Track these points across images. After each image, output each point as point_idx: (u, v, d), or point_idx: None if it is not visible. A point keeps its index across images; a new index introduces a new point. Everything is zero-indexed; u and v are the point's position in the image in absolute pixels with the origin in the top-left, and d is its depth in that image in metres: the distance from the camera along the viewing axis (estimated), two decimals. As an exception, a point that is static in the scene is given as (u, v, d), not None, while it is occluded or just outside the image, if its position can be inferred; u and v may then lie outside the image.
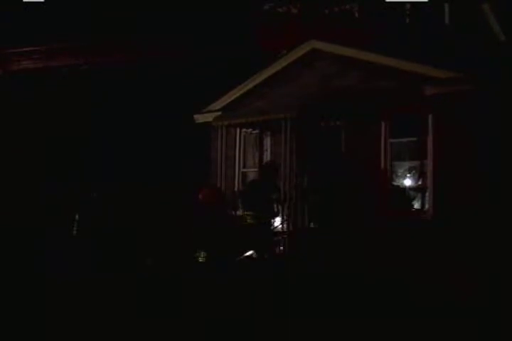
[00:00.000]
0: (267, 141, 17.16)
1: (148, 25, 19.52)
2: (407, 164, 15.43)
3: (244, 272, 12.30)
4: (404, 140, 15.25)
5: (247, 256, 12.90)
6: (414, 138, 15.04)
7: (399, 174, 15.51)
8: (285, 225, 15.30)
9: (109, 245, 14.86)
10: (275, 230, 14.77)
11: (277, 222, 15.12)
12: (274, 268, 13.10)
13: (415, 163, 15.25)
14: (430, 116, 14.69)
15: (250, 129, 17.28)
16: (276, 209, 14.68)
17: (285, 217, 15.29)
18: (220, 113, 17.56)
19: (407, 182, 15.29)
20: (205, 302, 10.67)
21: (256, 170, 16.79)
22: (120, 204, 18.16)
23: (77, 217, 17.50)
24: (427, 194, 14.81)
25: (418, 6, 16.43)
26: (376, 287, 12.15)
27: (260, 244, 13.36)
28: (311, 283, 12.22)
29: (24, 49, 18.24)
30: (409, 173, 15.34)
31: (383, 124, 15.35)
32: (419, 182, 15.12)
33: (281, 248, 15.21)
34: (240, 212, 14.95)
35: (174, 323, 9.90)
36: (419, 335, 9.33)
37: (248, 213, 14.58)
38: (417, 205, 15.18)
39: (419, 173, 15.11)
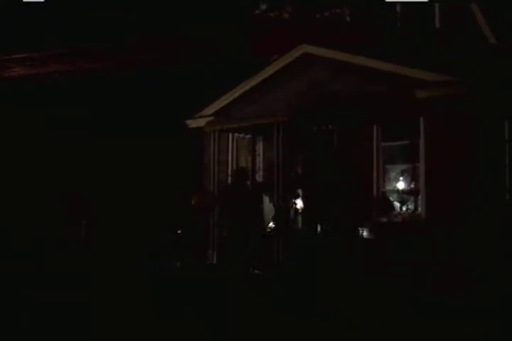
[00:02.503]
0: (260, 146, 17.18)
1: (137, 32, 19.58)
2: (399, 167, 15.44)
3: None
4: (397, 143, 15.26)
5: None
6: (407, 142, 15.05)
7: (391, 177, 15.50)
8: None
9: None
10: None
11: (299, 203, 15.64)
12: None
13: (407, 166, 15.26)
14: (422, 120, 14.69)
15: (243, 134, 17.29)
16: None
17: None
18: (212, 118, 17.58)
19: (400, 185, 15.28)
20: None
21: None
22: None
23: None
24: (420, 197, 14.80)
25: (409, 10, 16.46)
26: (374, 287, 12.18)
27: None
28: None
29: (17, 56, 18.27)
30: (402, 176, 15.34)
31: (375, 128, 15.37)
32: (412, 186, 15.12)
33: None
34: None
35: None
36: (419, 335, 9.36)
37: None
38: (409, 208, 15.18)
39: (412, 176, 15.11)
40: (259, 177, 16.90)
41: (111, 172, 20.45)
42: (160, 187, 19.30)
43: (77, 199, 19.72)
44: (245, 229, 15.03)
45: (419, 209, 14.86)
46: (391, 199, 15.37)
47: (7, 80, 18.69)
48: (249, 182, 16.03)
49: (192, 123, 17.97)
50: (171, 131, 19.38)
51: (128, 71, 19.65)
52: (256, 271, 14.49)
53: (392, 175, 15.50)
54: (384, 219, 15.05)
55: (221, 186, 16.53)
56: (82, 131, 20.59)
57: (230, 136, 17.28)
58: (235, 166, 17.13)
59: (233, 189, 15.95)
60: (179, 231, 14.49)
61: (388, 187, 15.42)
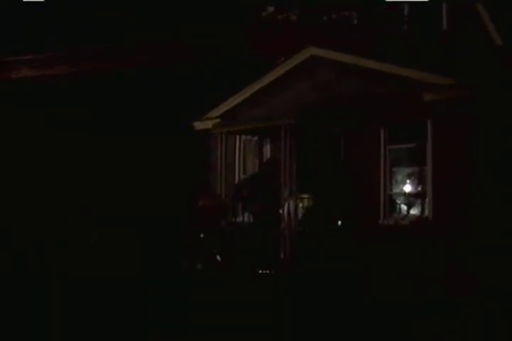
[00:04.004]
0: (267, 148, 17.19)
1: (137, 32, 19.57)
2: (406, 170, 15.45)
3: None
4: (404, 146, 15.27)
5: None
6: (413, 144, 15.07)
7: (398, 180, 15.52)
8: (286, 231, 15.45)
9: None
10: None
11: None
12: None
13: (414, 169, 15.27)
14: (429, 122, 14.69)
15: (250, 136, 17.30)
16: None
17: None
18: (219, 120, 17.59)
19: (407, 188, 15.30)
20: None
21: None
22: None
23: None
24: (427, 200, 14.82)
25: (416, 12, 16.48)
26: (377, 287, 12.24)
27: None
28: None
29: (24, 57, 18.29)
30: (409, 179, 15.36)
31: (382, 130, 15.37)
32: (419, 188, 15.14)
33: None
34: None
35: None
36: (420, 334, 9.41)
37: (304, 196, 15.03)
38: (416, 211, 15.21)
39: (419, 179, 15.13)
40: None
41: (113, 172, 20.42)
42: (164, 189, 19.28)
43: (79, 200, 19.69)
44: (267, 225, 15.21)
45: (426, 211, 14.88)
46: (398, 202, 15.40)
47: (12, 81, 18.68)
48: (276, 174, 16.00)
49: (199, 125, 17.98)
50: (174, 132, 19.37)
51: (128, 71, 19.64)
52: (267, 272, 14.51)
53: (399, 177, 15.50)
54: (390, 222, 15.08)
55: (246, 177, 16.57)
56: (83, 132, 20.56)
57: (237, 138, 17.30)
58: (242, 168, 17.15)
59: (262, 178, 16.00)
60: (202, 235, 14.46)
61: (395, 190, 15.43)
